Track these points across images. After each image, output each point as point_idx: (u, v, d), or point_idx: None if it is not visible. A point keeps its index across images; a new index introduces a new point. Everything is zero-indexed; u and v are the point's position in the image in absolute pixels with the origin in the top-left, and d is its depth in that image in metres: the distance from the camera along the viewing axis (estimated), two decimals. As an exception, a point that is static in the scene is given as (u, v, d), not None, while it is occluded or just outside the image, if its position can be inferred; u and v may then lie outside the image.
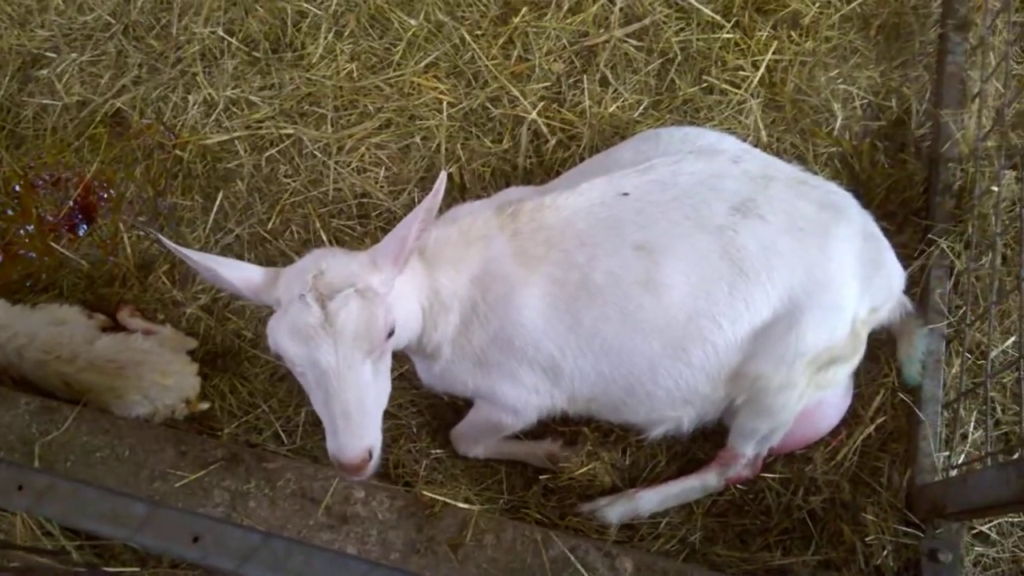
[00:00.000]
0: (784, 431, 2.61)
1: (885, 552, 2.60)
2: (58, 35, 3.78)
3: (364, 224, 3.32)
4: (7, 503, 2.39)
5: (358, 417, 2.10)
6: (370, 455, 2.12)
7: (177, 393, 2.93)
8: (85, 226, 3.47)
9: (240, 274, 2.22)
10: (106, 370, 2.88)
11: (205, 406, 3.01)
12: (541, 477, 2.84)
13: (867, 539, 2.63)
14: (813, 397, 2.58)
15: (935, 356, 2.84)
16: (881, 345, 2.88)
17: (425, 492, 2.52)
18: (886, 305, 2.68)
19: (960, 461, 2.72)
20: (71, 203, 3.49)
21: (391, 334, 2.21)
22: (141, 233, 3.40)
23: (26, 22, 3.84)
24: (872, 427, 2.82)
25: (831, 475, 2.78)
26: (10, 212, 3.50)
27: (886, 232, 2.72)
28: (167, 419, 2.93)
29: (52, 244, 3.42)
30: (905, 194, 3.23)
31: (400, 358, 2.94)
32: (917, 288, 2.97)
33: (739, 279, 2.39)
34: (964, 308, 2.91)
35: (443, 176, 2.18)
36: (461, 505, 2.53)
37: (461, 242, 2.50)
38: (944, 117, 3.23)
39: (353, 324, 2.10)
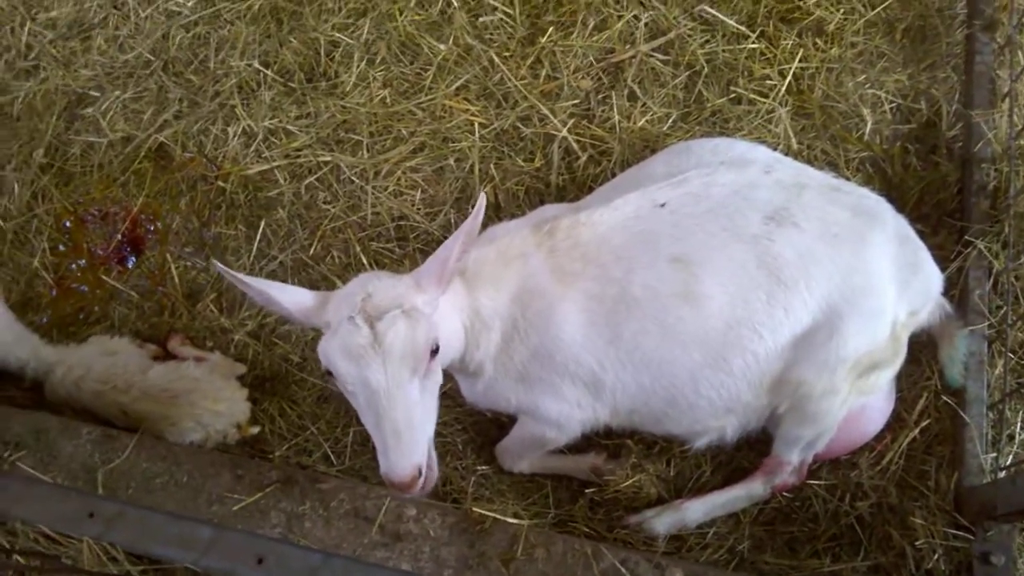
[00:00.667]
0: (828, 437, 2.62)
1: (936, 556, 2.60)
2: (101, 74, 3.92)
3: (403, 246, 3.40)
4: (79, 530, 2.48)
5: (407, 435, 2.16)
6: (420, 472, 2.17)
7: (228, 418, 3.01)
8: (134, 258, 3.58)
9: (292, 298, 2.30)
10: (160, 399, 2.97)
11: (256, 430, 3.09)
12: (587, 491, 2.87)
13: (917, 543, 2.63)
14: (856, 402, 2.59)
15: (977, 357, 2.84)
16: (922, 348, 2.88)
17: (476, 508, 2.57)
18: (925, 308, 2.68)
19: (1008, 462, 2.71)
20: (119, 236, 3.60)
21: (436, 351, 2.27)
22: (188, 263, 3.51)
23: (70, 63, 3.97)
24: (916, 430, 2.82)
25: (877, 480, 2.78)
26: (62, 247, 3.63)
27: (921, 235, 2.73)
28: (219, 444, 3.01)
29: (103, 277, 3.54)
30: (939, 196, 3.24)
31: (444, 377, 2.99)
32: (955, 290, 2.97)
33: (777, 288, 2.42)
34: (1005, 308, 2.90)
35: (482, 198, 2.24)
36: (511, 520, 2.57)
37: (499, 261, 2.55)
38: (975, 117, 3.23)
39: (400, 343, 2.16)
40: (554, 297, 2.52)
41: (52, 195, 3.69)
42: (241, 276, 2.24)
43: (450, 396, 3.10)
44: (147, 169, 3.70)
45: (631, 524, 2.77)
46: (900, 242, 2.60)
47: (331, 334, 2.23)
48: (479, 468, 2.98)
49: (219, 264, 2.30)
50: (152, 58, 3.92)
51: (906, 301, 2.57)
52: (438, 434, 3.02)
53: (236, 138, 3.66)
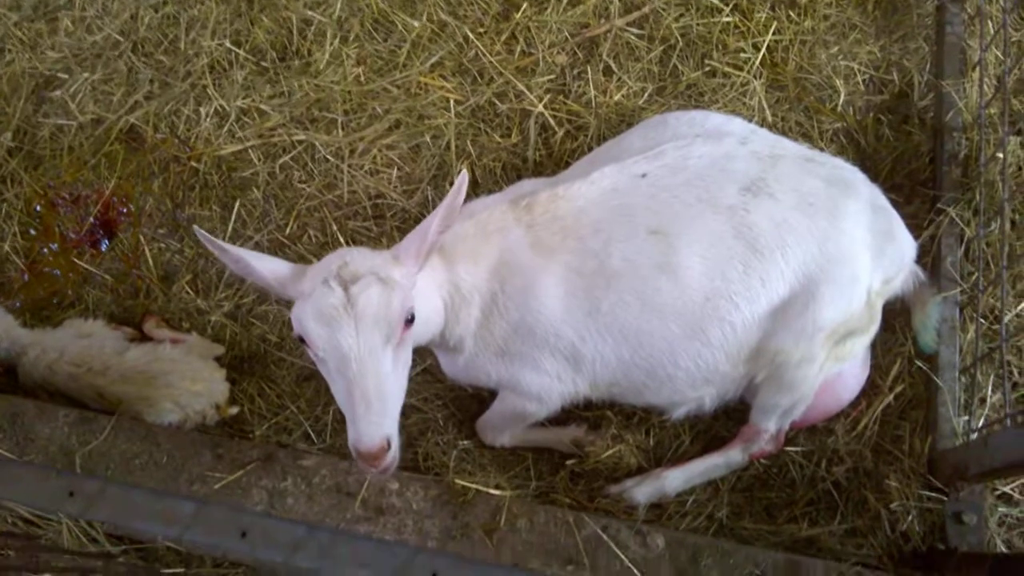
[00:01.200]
0: (805, 405, 2.66)
1: (910, 517, 2.65)
2: (69, 56, 3.85)
3: (380, 224, 3.38)
4: (59, 509, 2.47)
5: (377, 404, 2.12)
6: (388, 445, 2.13)
7: (207, 399, 3.00)
8: (107, 241, 3.54)
9: (269, 266, 2.28)
10: (137, 380, 2.95)
11: (235, 410, 3.08)
12: (568, 462, 2.89)
13: (892, 506, 2.68)
14: (832, 370, 2.63)
15: (950, 323, 2.88)
16: (896, 315, 2.92)
17: (458, 481, 2.58)
18: (899, 275, 2.72)
19: (980, 424, 2.76)
20: (92, 219, 3.56)
21: (410, 321, 2.25)
22: (162, 245, 3.47)
23: (36, 45, 3.91)
24: (891, 396, 2.86)
25: (853, 445, 2.83)
26: (33, 232, 3.58)
27: (895, 204, 2.76)
28: (199, 425, 3.00)
29: (76, 260, 3.49)
30: (911, 165, 3.28)
31: (423, 353, 3.00)
32: (928, 257, 3.01)
33: (753, 258, 2.44)
34: (976, 274, 2.94)
35: (464, 176, 2.23)
36: (493, 492, 2.59)
37: (478, 236, 2.55)
38: (946, 87, 3.26)
39: (373, 307, 2.14)
40: (533, 271, 2.52)
41: (21, 179, 3.63)
42: (219, 242, 2.22)
43: (430, 372, 3.11)
44: (118, 151, 3.65)
45: (612, 494, 2.79)
46: (874, 211, 2.63)
47: (304, 298, 2.21)
48: (460, 443, 2.98)
49: (199, 230, 2.27)
50: (121, 39, 3.86)
51: (880, 269, 2.60)
52: (418, 410, 3.04)
53: (208, 118, 3.62)
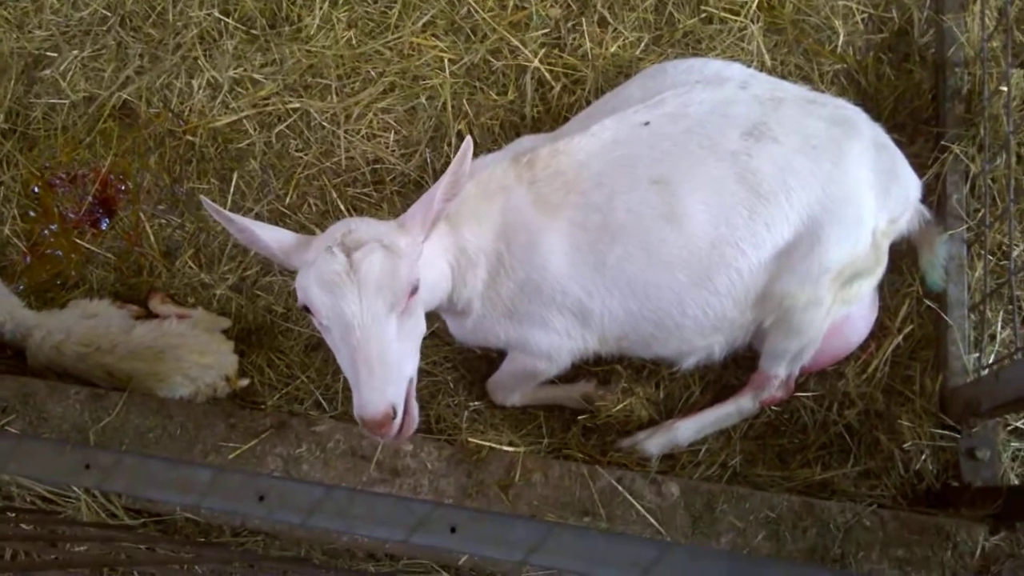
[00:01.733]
0: (814, 349, 2.65)
1: (924, 456, 2.66)
2: (56, 34, 3.80)
3: (380, 190, 3.36)
4: (76, 482, 2.49)
5: (381, 372, 2.10)
6: (394, 412, 2.11)
7: (217, 371, 3.01)
8: (107, 220, 3.53)
9: (274, 235, 2.28)
10: (146, 356, 2.95)
11: (245, 382, 3.09)
12: (579, 418, 2.90)
13: (904, 446, 2.69)
14: (840, 313, 2.62)
15: (957, 261, 2.87)
16: (903, 255, 2.91)
17: (471, 439, 2.59)
18: (904, 215, 2.69)
19: (991, 361, 2.76)
20: (90, 198, 3.54)
21: (415, 291, 2.23)
22: (163, 221, 3.46)
23: (23, 24, 3.85)
24: (900, 337, 2.86)
25: (864, 388, 2.83)
26: (32, 214, 3.56)
27: (898, 143, 2.73)
28: (210, 398, 3.01)
29: (77, 240, 3.48)
30: (914, 104, 3.23)
31: (431, 317, 2.98)
32: (934, 196, 2.98)
33: (758, 203, 2.42)
34: (982, 211, 2.91)
35: (468, 142, 2.20)
36: (507, 448, 2.60)
37: (481, 196, 2.53)
38: (947, 22, 3.21)
39: (376, 274, 2.13)
40: (538, 228, 2.50)
41: (17, 161, 3.61)
42: (226, 213, 2.22)
43: (438, 336, 3.11)
44: (113, 128, 3.62)
45: (624, 447, 2.81)
46: (877, 150, 2.60)
47: (308, 266, 2.20)
48: (471, 404, 2.99)
49: (207, 200, 2.27)
50: (108, 14, 3.80)
51: (886, 209, 2.58)
52: (428, 373, 3.04)
53: (201, 90, 3.58)
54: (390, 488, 2.48)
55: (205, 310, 3.24)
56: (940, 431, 2.67)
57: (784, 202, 2.43)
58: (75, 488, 2.51)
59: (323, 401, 3.06)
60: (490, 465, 2.53)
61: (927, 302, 2.86)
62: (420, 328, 2.35)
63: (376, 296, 2.13)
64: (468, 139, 2.22)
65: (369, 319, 2.12)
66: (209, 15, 3.68)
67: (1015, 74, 2.99)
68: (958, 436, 2.64)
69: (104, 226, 3.52)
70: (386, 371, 2.12)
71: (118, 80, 3.68)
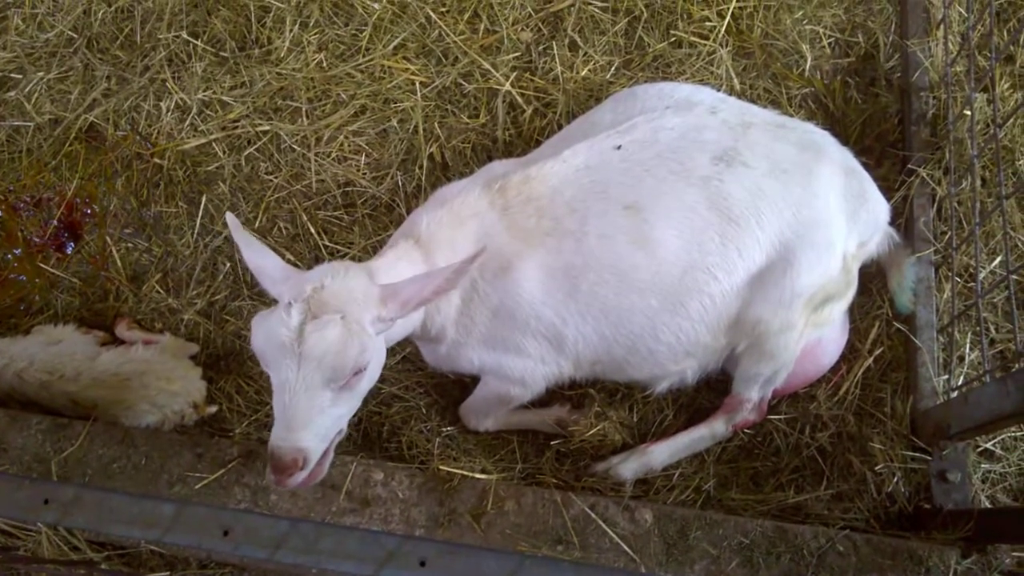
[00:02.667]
0: (787, 372, 2.66)
1: (895, 479, 2.67)
2: (21, 55, 3.75)
3: (351, 213, 3.33)
4: (35, 517, 2.42)
5: (300, 427, 2.11)
6: (304, 462, 2.10)
7: (184, 398, 2.95)
8: (72, 244, 3.46)
9: (259, 261, 2.28)
10: (111, 384, 2.89)
11: (213, 409, 3.03)
12: (552, 443, 2.88)
13: (877, 468, 2.69)
14: (811, 336, 2.63)
15: (926, 283, 2.90)
16: (872, 278, 2.93)
17: (442, 467, 2.56)
18: (874, 238, 2.73)
19: (960, 382, 2.78)
20: (55, 222, 3.47)
21: (360, 371, 2.20)
22: (130, 245, 3.40)
23: (-13, 45, 3.79)
24: (871, 359, 2.88)
25: (835, 410, 2.84)
26: (-5, 238, 3.49)
27: (866, 166, 2.78)
28: (177, 426, 2.95)
29: (41, 265, 3.41)
30: (880, 127, 3.28)
31: (403, 342, 2.96)
32: (901, 219, 3.01)
33: (729, 227, 2.43)
34: (949, 233, 2.95)
35: (483, 249, 2.22)
36: (479, 476, 2.57)
37: (454, 223, 2.52)
38: (911, 47, 3.26)
39: (321, 351, 2.10)
40: (511, 255, 2.49)
41: (-20, 184, 3.54)
42: (245, 233, 2.31)
43: (410, 360, 3.08)
44: (79, 151, 3.56)
45: (598, 472, 2.79)
46: (846, 174, 2.63)
47: (268, 312, 2.19)
48: (444, 429, 2.96)
49: (231, 216, 2.34)
50: (75, 35, 3.75)
51: (855, 232, 2.61)
52: (400, 399, 3.01)
53: (170, 113, 3.54)
54: (360, 518, 2.44)
55: (173, 336, 3.18)
56: (911, 453, 2.69)
57: (755, 227, 2.44)
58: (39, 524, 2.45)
59: (293, 428, 3.00)
60: (462, 493, 2.50)
61: (896, 324, 2.89)
62: (357, 401, 2.31)
63: (315, 371, 2.11)
64: (484, 247, 2.23)
65: (302, 388, 2.11)
66: (178, 37, 3.65)
67: (978, 98, 3.04)
68: (929, 458, 2.65)
69: (69, 250, 3.46)
70: (307, 430, 2.12)
71: (85, 102, 3.62)
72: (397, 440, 2.93)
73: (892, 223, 2.81)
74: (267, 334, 2.14)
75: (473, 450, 2.92)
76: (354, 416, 2.86)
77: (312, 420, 2.13)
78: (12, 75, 3.72)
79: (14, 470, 2.55)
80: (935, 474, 2.61)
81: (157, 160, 3.47)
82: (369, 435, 2.99)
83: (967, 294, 2.93)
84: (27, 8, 3.84)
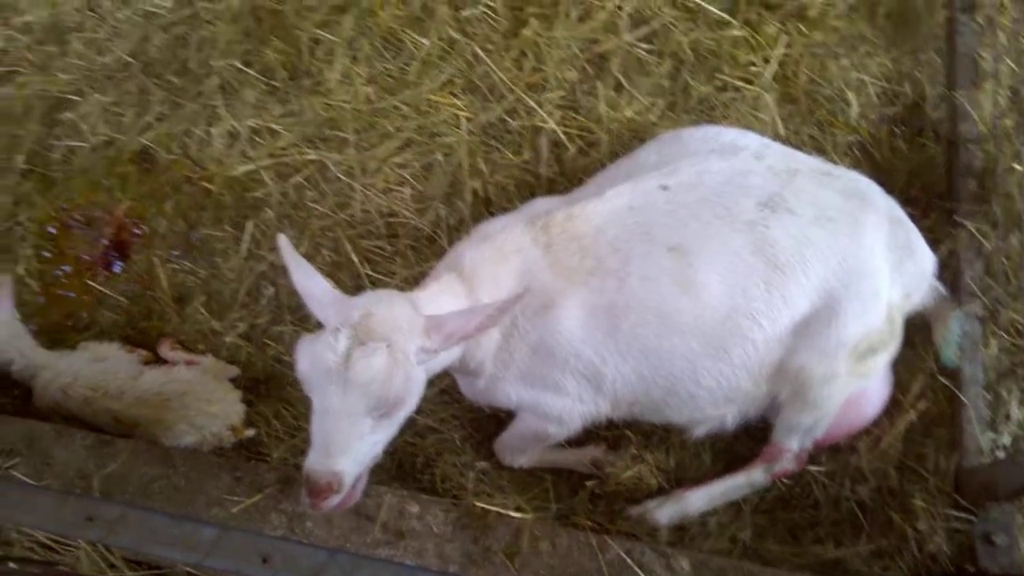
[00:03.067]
0: (828, 423, 2.63)
1: (938, 538, 2.62)
2: (80, 78, 3.85)
3: (393, 243, 3.37)
4: (80, 534, 2.45)
5: (337, 452, 2.12)
6: (339, 486, 2.11)
7: (223, 420, 2.98)
8: (120, 263, 3.53)
9: (308, 283, 2.30)
10: (153, 403, 2.94)
11: (251, 432, 3.05)
12: (587, 483, 2.86)
13: (918, 526, 2.64)
14: (854, 387, 2.60)
15: (971, 338, 2.85)
16: (916, 330, 2.89)
17: (478, 503, 2.56)
18: (919, 290, 2.70)
19: (1007, 442, 2.73)
20: (105, 241, 3.54)
21: (402, 401, 2.21)
22: (176, 266, 3.46)
23: (47, 67, 3.90)
24: (914, 413, 2.83)
25: (877, 464, 2.79)
26: (47, 254, 3.57)
27: (911, 217, 2.75)
28: (215, 448, 2.98)
29: (90, 283, 3.48)
30: (926, 178, 3.26)
31: (442, 374, 2.97)
32: (947, 271, 2.98)
33: (774, 274, 2.42)
34: (996, 288, 2.92)
35: (523, 291, 2.27)
36: (514, 514, 2.56)
37: (497, 258, 2.53)
38: (959, 98, 3.25)
39: (366, 379, 2.11)
40: (552, 292, 2.50)
41: (35, 201, 3.63)
42: (296, 255, 2.30)
43: (447, 392, 3.09)
44: (131, 172, 3.64)
45: (633, 515, 2.76)
46: (892, 224, 2.62)
47: (316, 336, 2.20)
48: (478, 464, 2.95)
49: (283, 237, 2.33)
50: (131, 60, 3.86)
51: (900, 283, 2.59)
52: (435, 431, 3.02)
53: (220, 139, 3.62)
54: (394, 551, 2.44)
55: (214, 358, 3.22)
56: (955, 512, 2.63)
57: (801, 274, 2.43)
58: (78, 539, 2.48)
59: (328, 455, 3.02)
60: (497, 530, 2.50)
61: (941, 379, 2.85)
62: (394, 429, 2.31)
63: (360, 397, 2.12)
64: (525, 290, 2.28)
65: (344, 413, 2.12)
66: (231, 65, 3.73)
67: (1029, 153, 3.03)
68: (974, 519, 2.59)
69: (117, 269, 3.52)
70: (344, 456, 2.13)
71: (138, 125, 3.71)
72: (431, 472, 2.94)
73: (938, 276, 2.79)
74: (313, 358, 2.15)
75: (507, 487, 2.91)
76: (389, 445, 2.89)
77: (350, 446, 2.14)
78: (70, 97, 3.82)
79: (57, 484, 2.58)
80: (980, 536, 2.55)
81: (206, 184, 3.54)
82: (403, 466, 3.00)
83: (1014, 351, 2.88)
84: (88, 33, 3.96)
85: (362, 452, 2.19)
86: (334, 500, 2.13)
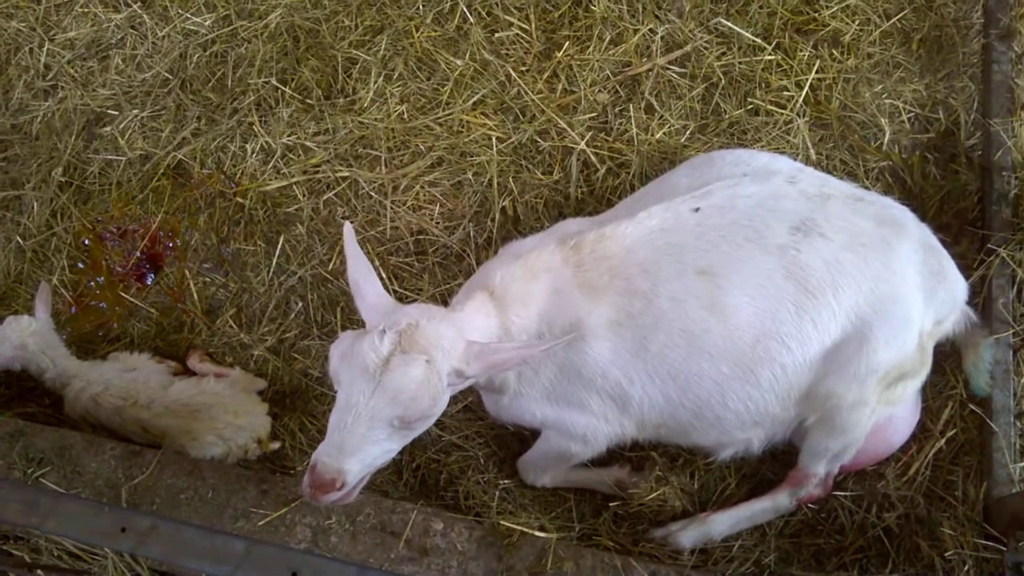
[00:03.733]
0: (856, 449, 2.61)
1: (966, 567, 2.58)
2: (119, 93, 3.94)
3: (422, 260, 3.40)
4: (111, 544, 2.48)
5: (350, 450, 2.15)
6: (342, 484, 2.15)
7: (249, 432, 3.00)
8: (152, 275, 3.59)
9: (360, 279, 2.36)
10: (181, 413, 2.97)
11: (276, 445, 3.08)
12: (611, 504, 2.86)
13: (946, 555, 2.61)
14: (883, 413, 2.58)
15: (1003, 366, 2.83)
16: (946, 357, 2.87)
17: (503, 522, 2.56)
18: (950, 317, 2.68)
19: (1038, 472, 2.69)
20: (138, 253, 3.61)
21: (424, 419, 2.25)
22: (207, 280, 3.51)
23: (88, 83, 3.99)
24: (943, 440, 2.81)
25: (904, 491, 2.76)
26: (81, 265, 3.63)
27: (943, 243, 2.73)
28: (240, 460, 3.00)
29: (122, 294, 3.54)
30: (959, 204, 3.24)
31: (466, 389, 2.98)
32: (979, 298, 2.95)
33: (805, 298, 2.41)
34: (1029, 317, 2.89)
35: (573, 336, 2.36)
36: (538, 534, 2.56)
37: (527, 277, 2.55)
38: (994, 126, 3.23)
39: (398, 386, 2.15)
40: (581, 311, 2.51)
41: (71, 213, 3.70)
42: (357, 249, 2.36)
43: (471, 409, 3.10)
44: (165, 186, 3.71)
45: (656, 538, 2.75)
46: (925, 251, 2.60)
47: (357, 333, 2.23)
48: (502, 482, 2.96)
49: (349, 228, 2.40)
50: (170, 76, 3.93)
51: (932, 310, 2.57)
52: (459, 448, 3.03)
53: (254, 155, 3.67)
54: (418, 567, 2.44)
55: (242, 370, 3.26)
56: (984, 542, 2.60)
57: (832, 299, 2.42)
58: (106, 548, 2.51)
59: (353, 470, 3.03)
60: (521, 550, 2.49)
61: (971, 407, 2.82)
62: (406, 442, 2.34)
63: (387, 403, 2.16)
64: (575, 335, 2.38)
65: (367, 415, 2.15)
66: (267, 83, 3.80)
67: (1064, 182, 3.00)
68: (1004, 549, 2.56)
69: (149, 281, 3.58)
70: (356, 454, 2.16)
71: (174, 140, 3.78)
72: (454, 489, 2.94)
73: (969, 302, 2.76)
74: (353, 353, 2.18)
75: (530, 506, 2.91)
76: (414, 462, 2.91)
77: (363, 448, 2.17)
78: (109, 111, 3.90)
79: (87, 493, 2.62)
80: (1010, 566, 2.52)
81: (239, 199, 3.59)
82: (427, 482, 3.01)
83: (1047, 380, 2.85)
84: (128, 49, 4.04)
85: (372, 456, 2.21)
86: (333, 496, 2.17)
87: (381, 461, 2.29)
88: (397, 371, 2.14)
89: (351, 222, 3.43)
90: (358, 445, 2.15)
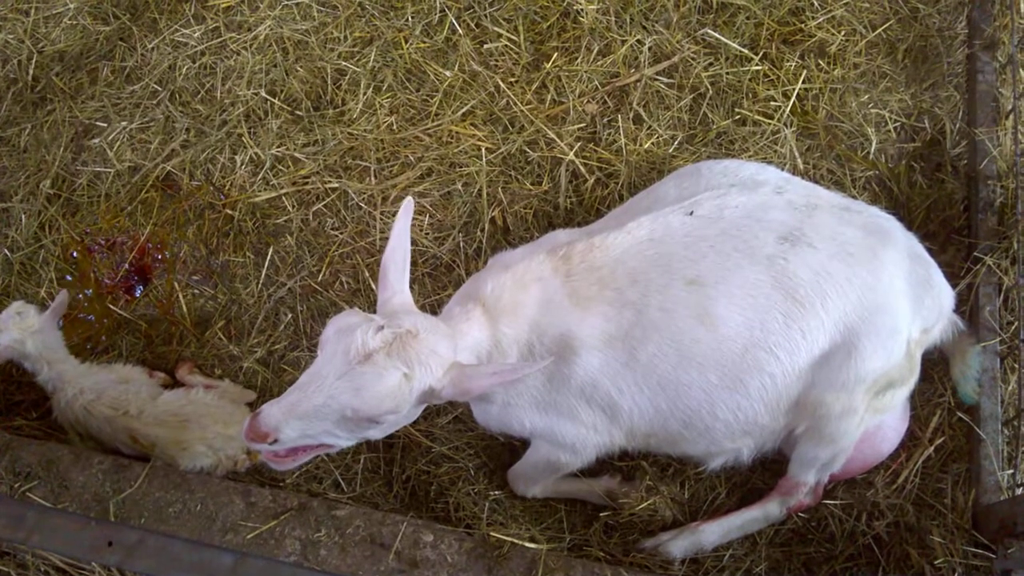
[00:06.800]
0: (845, 457, 2.61)
1: (956, 574, 2.58)
2: (108, 105, 3.93)
3: (411, 271, 3.38)
4: (99, 559, 2.46)
5: (300, 414, 2.16)
6: (274, 440, 2.17)
7: (239, 443, 2.99)
8: (141, 287, 3.58)
9: (394, 266, 2.44)
10: (171, 423, 2.96)
11: (265, 457, 3.06)
12: (601, 514, 2.85)
13: (936, 562, 2.61)
14: (872, 422, 2.59)
15: (990, 373, 2.84)
16: (934, 365, 2.89)
17: (493, 534, 2.55)
18: (937, 325, 2.69)
19: (1025, 479, 2.71)
20: (127, 266, 3.60)
21: (375, 423, 2.27)
22: (196, 291, 3.50)
23: (77, 94, 3.99)
24: (931, 448, 2.82)
25: (893, 499, 2.77)
26: (69, 278, 3.62)
27: (930, 252, 2.74)
28: (230, 471, 2.99)
29: (110, 306, 3.53)
30: (945, 213, 3.26)
31: (454, 401, 2.98)
32: (966, 307, 2.97)
33: (793, 308, 2.42)
34: (1016, 324, 2.90)
35: (549, 360, 2.36)
36: (529, 545, 2.55)
37: (517, 287, 2.55)
38: (979, 135, 3.26)
39: (364, 383, 2.16)
40: (571, 322, 2.51)
41: (59, 225, 3.69)
42: (404, 231, 2.44)
43: (461, 420, 3.09)
44: (154, 198, 3.70)
45: (647, 548, 2.75)
46: (912, 260, 2.61)
47: (364, 316, 2.26)
48: (492, 493, 2.95)
49: (408, 201, 2.49)
50: (159, 88, 3.93)
51: (919, 318, 2.58)
52: (449, 459, 3.02)
53: (243, 166, 3.67)
54: (408, 580, 2.44)
55: (232, 382, 3.25)
56: (973, 549, 2.60)
57: (820, 309, 2.43)
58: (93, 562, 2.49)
59: (342, 481, 3.03)
60: (511, 561, 2.49)
61: (959, 414, 2.83)
62: (353, 440, 2.36)
63: (348, 392, 2.17)
64: (553, 358, 2.41)
65: (326, 392, 2.17)
66: (256, 94, 3.80)
67: (1048, 190, 3.02)
68: (993, 556, 2.57)
69: (138, 293, 3.57)
70: (296, 426, 2.18)
71: (163, 152, 3.78)
72: (444, 501, 2.94)
73: (956, 310, 2.78)
74: (346, 332, 2.20)
75: (520, 516, 2.90)
76: (404, 474, 2.90)
77: (309, 420, 2.18)
78: (98, 123, 3.90)
79: (74, 507, 2.60)
80: (999, 573, 2.52)
81: (228, 211, 3.59)
82: (417, 494, 3.00)
83: (1034, 387, 2.86)
84: (117, 61, 4.04)
85: (312, 433, 2.23)
86: (262, 447, 2.21)
87: (323, 441, 2.30)
88: (372, 371, 2.16)
89: (340, 234, 3.47)
90: (305, 413, 2.17)
